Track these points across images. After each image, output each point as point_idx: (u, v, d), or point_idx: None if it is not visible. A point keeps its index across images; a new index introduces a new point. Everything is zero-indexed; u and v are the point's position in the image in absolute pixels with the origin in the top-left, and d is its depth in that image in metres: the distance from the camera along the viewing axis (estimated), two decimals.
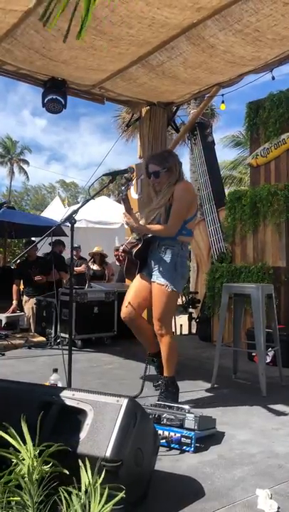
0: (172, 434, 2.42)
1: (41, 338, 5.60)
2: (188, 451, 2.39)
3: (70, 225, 3.08)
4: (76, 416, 1.82)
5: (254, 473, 2.16)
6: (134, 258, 3.25)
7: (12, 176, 39.84)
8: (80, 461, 1.57)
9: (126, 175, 3.12)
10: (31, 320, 6.30)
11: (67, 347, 3.08)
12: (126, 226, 5.14)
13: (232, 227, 5.75)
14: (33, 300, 6.28)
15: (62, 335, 5.35)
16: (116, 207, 11.16)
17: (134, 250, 3.22)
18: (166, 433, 2.42)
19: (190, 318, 7.13)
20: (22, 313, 6.28)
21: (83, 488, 1.48)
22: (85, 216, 9.93)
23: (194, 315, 7.10)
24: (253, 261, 5.47)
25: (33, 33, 4.13)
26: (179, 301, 5.56)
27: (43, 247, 6.34)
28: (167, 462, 2.25)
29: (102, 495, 1.44)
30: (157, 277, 3.15)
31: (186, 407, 2.64)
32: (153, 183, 3.30)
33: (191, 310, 7.29)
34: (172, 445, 2.42)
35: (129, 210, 3.20)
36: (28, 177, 40.69)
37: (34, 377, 3.72)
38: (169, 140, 7.76)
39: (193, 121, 6.95)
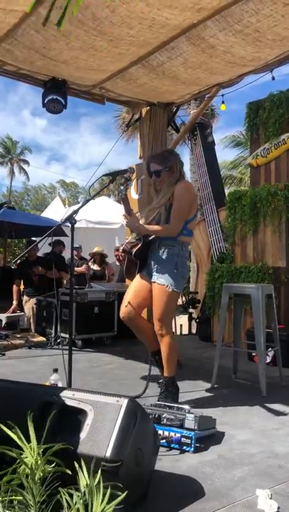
0: (172, 434, 2.42)
1: (41, 338, 5.61)
2: (188, 451, 2.39)
3: (70, 225, 3.08)
4: (76, 416, 1.82)
5: (254, 473, 2.16)
6: (134, 258, 3.24)
7: (12, 176, 39.86)
8: (81, 460, 1.57)
9: (125, 175, 3.12)
10: (31, 320, 6.31)
11: (67, 347, 3.08)
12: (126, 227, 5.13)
13: (232, 227, 5.75)
14: (33, 300, 6.29)
15: (63, 335, 5.35)
16: (116, 207, 11.17)
17: (134, 250, 3.22)
18: (166, 433, 2.42)
19: (190, 319, 7.12)
20: (22, 313, 6.28)
21: (85, 488, 1.48)
22: (85, 216, 9.95)
23: (194, 315, 7.10)
24: (253, 261, 5.47)
25: (34, 33, 4.13)
26: (179, 301, 5.55)
27: (43, 247, 6.35)
28: (167, 462, 2.25)
29: (104, 495, 1.44)
30: (158, 277, 3.14)
31: (186, 407, 2.64)
32: (154, 182, 3.30)
33: (191, 310, 7.28)
34: (172, 445, 2.42)
35: (128, 210, 3.20)
36: (28, 177, 40.75)
37: (34, 377, 3.73)
38: (169, 140, 7.76)
39: (194, 121, 6.95)
